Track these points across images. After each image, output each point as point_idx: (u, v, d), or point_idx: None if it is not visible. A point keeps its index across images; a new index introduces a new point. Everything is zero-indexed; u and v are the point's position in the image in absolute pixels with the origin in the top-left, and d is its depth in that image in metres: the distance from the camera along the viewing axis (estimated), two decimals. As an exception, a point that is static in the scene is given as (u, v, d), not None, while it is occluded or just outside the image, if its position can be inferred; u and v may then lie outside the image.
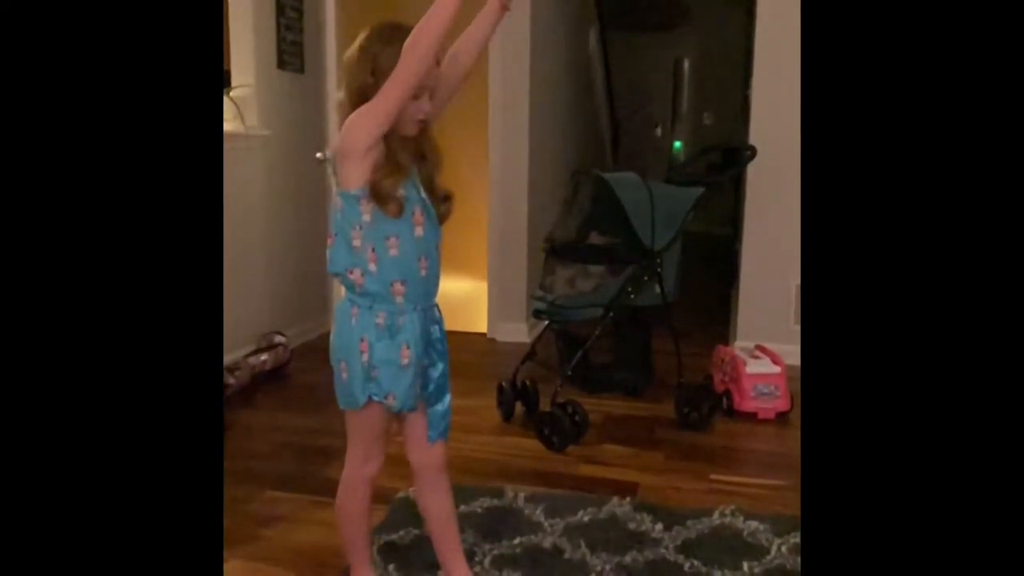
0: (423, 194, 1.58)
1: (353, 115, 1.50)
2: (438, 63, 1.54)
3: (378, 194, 1.50)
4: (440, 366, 1.67)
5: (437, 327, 1.66)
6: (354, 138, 1.49)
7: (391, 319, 1.56)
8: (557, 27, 4.57)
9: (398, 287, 1.55)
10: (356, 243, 1.54)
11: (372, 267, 1.54)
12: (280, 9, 3.80)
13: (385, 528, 2.13)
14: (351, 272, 1.55)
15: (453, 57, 1.62)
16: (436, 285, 1.64)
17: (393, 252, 1.54)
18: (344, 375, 1.59)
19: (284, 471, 2.58)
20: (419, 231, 1.56)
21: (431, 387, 1.66)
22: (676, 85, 8.36)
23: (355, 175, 1.51)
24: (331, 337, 1.62)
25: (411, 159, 1.56)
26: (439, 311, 1.67)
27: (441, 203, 1.62)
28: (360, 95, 1.50)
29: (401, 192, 1.52)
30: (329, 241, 1.58)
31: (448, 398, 1.70)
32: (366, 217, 1.52)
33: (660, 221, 2.87)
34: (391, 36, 1.48)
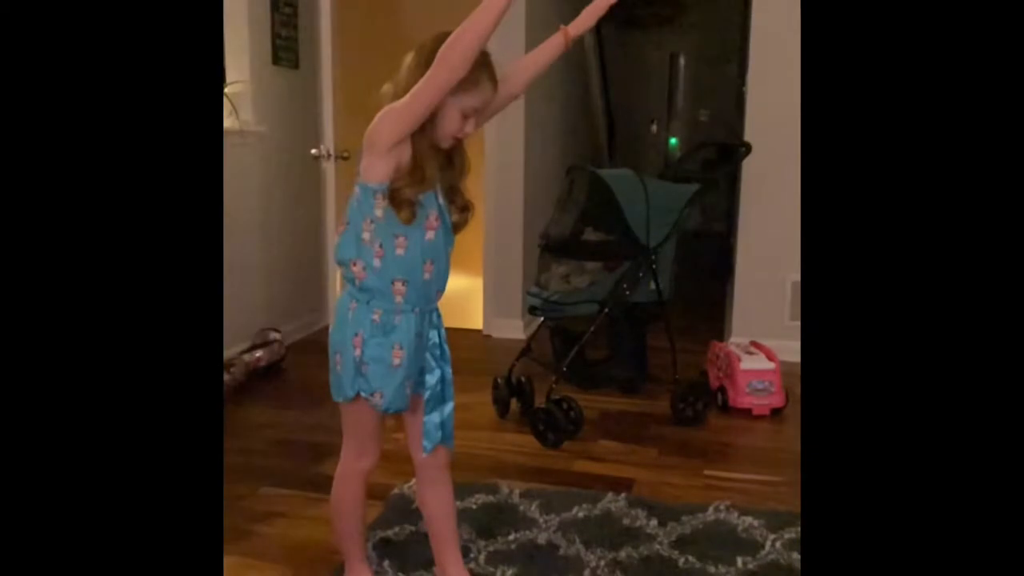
0: (442, 200, 1.58)
1: (384, 111, 1.48)
2: (495, 87, 1.53)
3: (396, 199, 1.49)
4: (438, 372, 1.63)
5: (436, 332, 1.64)
6: (380, 133, 1.48)
7: (387, 317, 1.56)
8: (552, 22, 4.57)
9: (399, 286, 1.55)
10: (365, 236, 1.53)
11: (376, 262, 1.53)
12: (275, 5, 3.79)
13: (381, 524, 2.14)
14: (355, 264, 1.55)
15: (504, 79, 1.60)
16: (439, 290, 1.62)
17: (400, 251, 1.53)
18: (338, 368, 1.60)
19: (279, 467, 2.58)
20: (430, 235, 1.56)
21: (427, 394, 1.63)
22: (672, 81, 8.36)
23: (376, 169, 1.50)
24: (330, 329, 1.63)
25: (438, 168, 1.54)
26: (439, 316, 1.65)
27: (459, 212, 1.62)
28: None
29: (420, 198, 1.52)
30: (340, 228, 1.57)
31: (450, 407, 1.66)
32: (379, 212, 1.51)
33: (655, 217, 2.87)
34: None
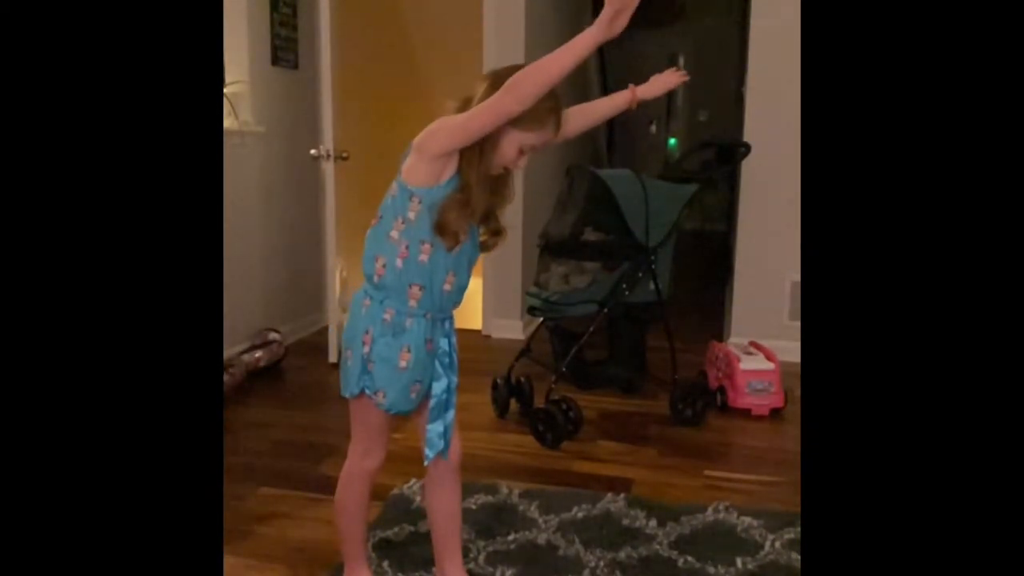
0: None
1: (441, 119, 1.50)
2: (557, 133, 1.56)
3: (442, 227, 1.50)
4: (444, 381, 1.63)
5: (446, 340, 1.63)
6: (432, 140, 1.49)
7: (399, 318, 1.56)
8: (551, 22, 4.57)
9: (415, 290, 1.55)
10: (393, 234, 1.54)
11: (398, 262, 1.54)
12: (274, 5, 3.79)
13: (380, 524, 2.14)
14: (377, 259, 1.56)
15: (564, 121, 1.60)
16: (456, 301, 1.62)
17: (423, 257, 1.54)
18: (348, 362, 1.60)
19: (278, 468, 2.58)
20: (457, 248, 1.56)
21: (432, 402, 1.63)
22: (671, 81, 8.35)
23: (418, 172, 1.51)
24: (345, 324, 1.64)
25: (485, 197, 1.55)
26: (452, 324, 1.65)
27: (491, 235, 1.62)
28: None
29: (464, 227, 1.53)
30: (373, 221, 1.58)
31: (451, 414, 1.66)
32: (411, 215, 1.52)
33: (654, 217, 2.87)
34: None
